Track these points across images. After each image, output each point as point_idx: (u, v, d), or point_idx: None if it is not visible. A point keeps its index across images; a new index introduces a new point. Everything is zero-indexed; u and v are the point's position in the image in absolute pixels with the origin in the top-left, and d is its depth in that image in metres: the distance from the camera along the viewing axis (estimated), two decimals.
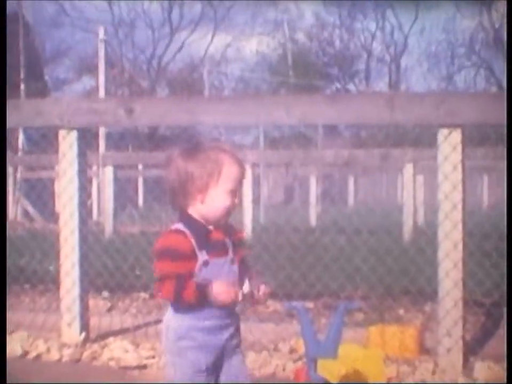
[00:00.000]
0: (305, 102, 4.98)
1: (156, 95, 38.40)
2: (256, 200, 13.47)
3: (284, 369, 4.66)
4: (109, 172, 12.74)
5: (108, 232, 12.16)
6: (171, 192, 2.89)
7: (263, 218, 16.32)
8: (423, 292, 6.30)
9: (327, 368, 3.09)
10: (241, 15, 51.05)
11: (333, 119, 5.16)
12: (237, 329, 2.94)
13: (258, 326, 5.51)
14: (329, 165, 16.82)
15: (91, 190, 16.50)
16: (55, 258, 5.69)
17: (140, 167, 19.18)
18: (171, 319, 2.88)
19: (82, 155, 5.35)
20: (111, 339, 5.31)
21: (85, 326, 5.33)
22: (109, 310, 6.68)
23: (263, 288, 2.87)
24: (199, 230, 2.84)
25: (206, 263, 2.81)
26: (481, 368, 4.53)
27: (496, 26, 39.49)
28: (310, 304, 6.34)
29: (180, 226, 2.84)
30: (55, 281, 6.05)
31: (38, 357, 5.09)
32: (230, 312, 2.84)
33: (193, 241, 2.81)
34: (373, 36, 45.35)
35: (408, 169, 11.90)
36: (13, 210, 18.31)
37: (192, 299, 2.77)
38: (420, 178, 13.40)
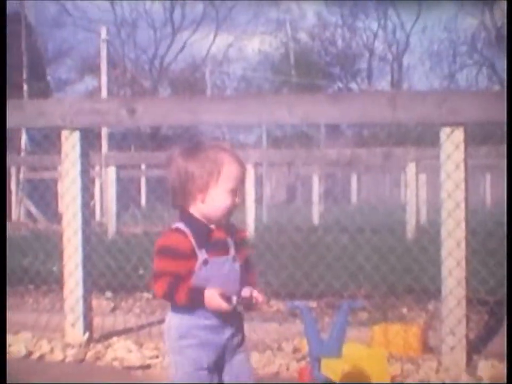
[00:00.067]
0: (307, 101, 4.98)
1: (158, 95, 38.42)
2: (258, 200, 13.47)
3: (287, 369, 4.66)
4: (111, 172, 12.75)
5: (110, 233, 12.17)
6: (172, 192, 2.91)
7: (266, 217, 16.33)
8: (426, 291, 6.29)
9: (331, 367, 3.10)
10: (243, 14, 50.98)
11: (335, 118, 5.15)
12: (239, 329, 2.95)
13: (262, 325, 5.51)
14: (331, 164, 16.84)
15: (94, 191, 16.50)
16: (58, 258, 5.69)
17: (143, 167, 19.18)
18: (172, 318, 2.89)
19: (85, 155, 5.36)
20: (114, 339, 5.32)
21: (88, 326, 5.34)
22: (113, 310, 6.69)
23: (255, 294, 2.87)
24: (200, 229, 2.85)
25: (205, 262, 2.82)
26: (484, 367, 4.53)
27: (498, 24, 39.44)
28: (313, 304, 6.34)
29: (180, 225, 2.86)
30: (58, 282, 6.05)
31: (42, 357, 5.10)
32: (232, 311, 2.85)
33: (192, 240, 2.82)
34: (375, 35, 45.37)
35: (411, 168, 11.89)
36: (16, 211, 18.34)
37: (183, 302, 2.79)
38: (423, 177, 13.40)
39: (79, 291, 5.28)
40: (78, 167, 5.31)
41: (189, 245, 2.82)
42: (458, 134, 4.58)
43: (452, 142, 4.58)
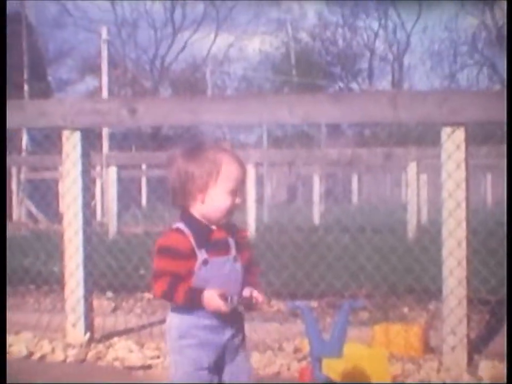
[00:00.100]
0: (308, 101, 4.98)
1: (158, 95, 38.41)
2: (259, 200, 13.47)
3: (288, 369, 4.66)
4: (112, 172, 12.76)
5: (111, 233, 12.18)
6: (172, 192, 2.92)
7: (267, 217, 16.33)
8: (427, 290, 6.29)
9: (332, 367, 3.10)
10: (244, 14, 51.10)
11: (336, 118, 5.15)
12: (240, 329, 2.94)
13: (263, 325, 5.51)
14: (332, 164, 16.85)
15: (95, 191, 16.51)
16: (59, 259, 5.69)
17: (143, 167, 19.20)
18: (173, 318, 2.90)
19: (85, 155, 5.36)
20: (115, 339, 5.32)
21: (89, 326, 5.34)
22: (114, 310, 6.68)
23: (255, 294, 2.87)
24: (200, 229, 2.85)
25: (205, 262, 2.82)
26: (485, 367, 4.53)
27: (499, 24, 39.44)
28: (314, 303, 6.33)
29: (180, 225, 2.87)
30: (59, 282, 6.05)
31: (43, 357, 5.09)
32: (232, 311, 2.85)
33: (192, 240, 2.83)
34: (376, 35, 45.37)
35: (412, 167, 11.90)
36: (17, 211, 18.34)
37: (182, 302, 2.79)
38: (424, 176, 13.40)
39: (80, 291, 5.28)
40: (79, 167, 5.31)
41: (188, 245, 2.82)
42: (459, 134, 4.58)
43: (453, 142, 4.58)
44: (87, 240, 5.34)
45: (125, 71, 34.27)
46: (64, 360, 5.02)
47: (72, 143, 5.31)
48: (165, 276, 2.80)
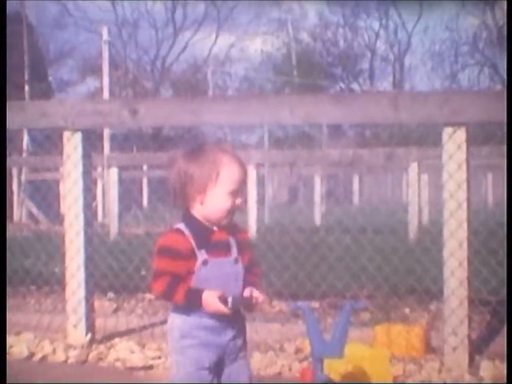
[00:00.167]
0: (309, 102, 4.98)
1: (159, 96, 38.41)
2: (260, 200, 13.46)
3: (290, 369, 4.66)
4: (113, 173, 12.76)
5: (113, 234, 12.18)
6: (173, 193, 2.92)
7: (268, 218, 16.33)
8: (428, 291, 6.29)
9: (333, 367, 3.10)
10: (245, 14, 51.09)
11: (337, 118, 5.15)
12: (241, 331, 2.94)
13: (264, 326, 5.51)
14: (333, 165, 16.84)
15: (96, 192, 16.52)
16: (60, 259, 5.69)
17: (145, 168, 19.20)
18: (175, 318, 2.90)
19: (87, 156, 5.36)
20: (117, 340, 5.32)
21: (90, 327, 5.34)
22: (115, 311, 6.68)
23: (255, 294, 2.87)
24: (200, 230, 2.86)
25: (205, 263, 2.83)
26: (487, 367, 4.53)
27: (500, 24, 39.43)
28: (315, 304, 6.34)
29: (180, 226, 2.87)
30: (60, 283, 6.06)
31: (44, 358, 5.09)
32: (234, 312, 2.85)
33: (192, 240, 2.83)
34: (377, 35, 45.36)
35: (413, 168, 11.89)
36: (17, 212, 18.35)
37: (181, 303, 2.79)
38: (425, 177, 13.40)
39: (81, 292, 5.28)
40: (80, 168, 5.31)
41: (188, 245, 2.83)
42: (460, 134, 4.58)
43: (454, 142, 4.58)
44: (88, 241, 5.34)
45: (126, 72, 34.30)
46: (65, 361, 5.02)
47: (73, 144, 5.31)
48: (164, 276, 2.81)
